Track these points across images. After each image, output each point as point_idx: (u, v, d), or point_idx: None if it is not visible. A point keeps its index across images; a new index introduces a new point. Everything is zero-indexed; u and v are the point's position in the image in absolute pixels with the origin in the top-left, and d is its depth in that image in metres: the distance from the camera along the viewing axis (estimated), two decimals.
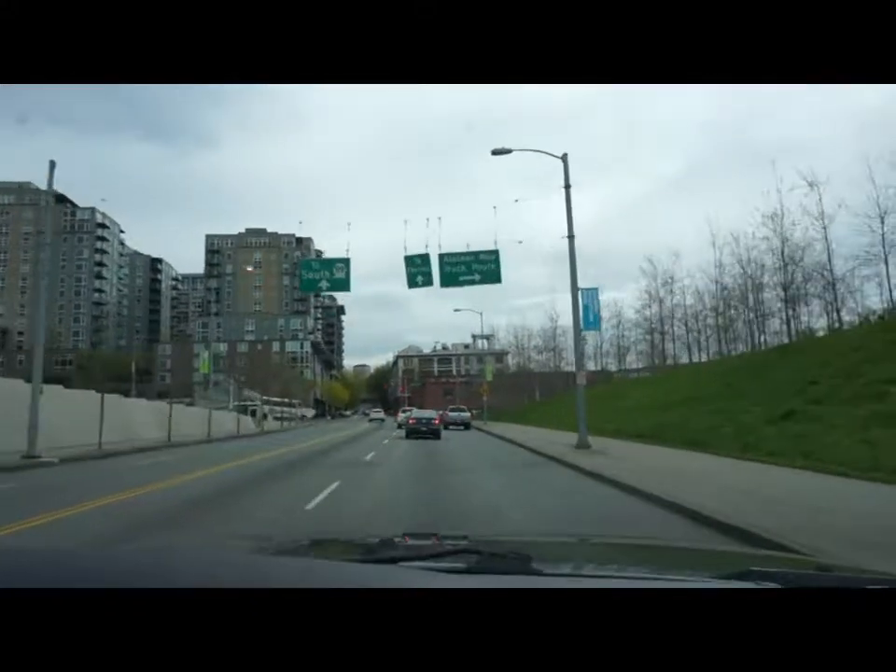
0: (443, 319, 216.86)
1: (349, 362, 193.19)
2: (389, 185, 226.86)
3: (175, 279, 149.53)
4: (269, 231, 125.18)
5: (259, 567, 1.18)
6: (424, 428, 29.55)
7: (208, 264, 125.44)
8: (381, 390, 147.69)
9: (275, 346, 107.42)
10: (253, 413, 55.69)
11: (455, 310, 57.82)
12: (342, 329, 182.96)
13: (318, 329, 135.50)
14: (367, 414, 77.49)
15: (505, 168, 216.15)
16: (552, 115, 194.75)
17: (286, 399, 72.00)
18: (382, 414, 74.34)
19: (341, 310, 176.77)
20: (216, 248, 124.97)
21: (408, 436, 29.68)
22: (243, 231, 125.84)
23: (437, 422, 30.68)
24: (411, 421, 31.29)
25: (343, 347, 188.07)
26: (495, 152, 19.13)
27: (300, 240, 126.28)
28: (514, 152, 19.22)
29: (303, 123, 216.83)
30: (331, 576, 1.10)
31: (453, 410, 49.89)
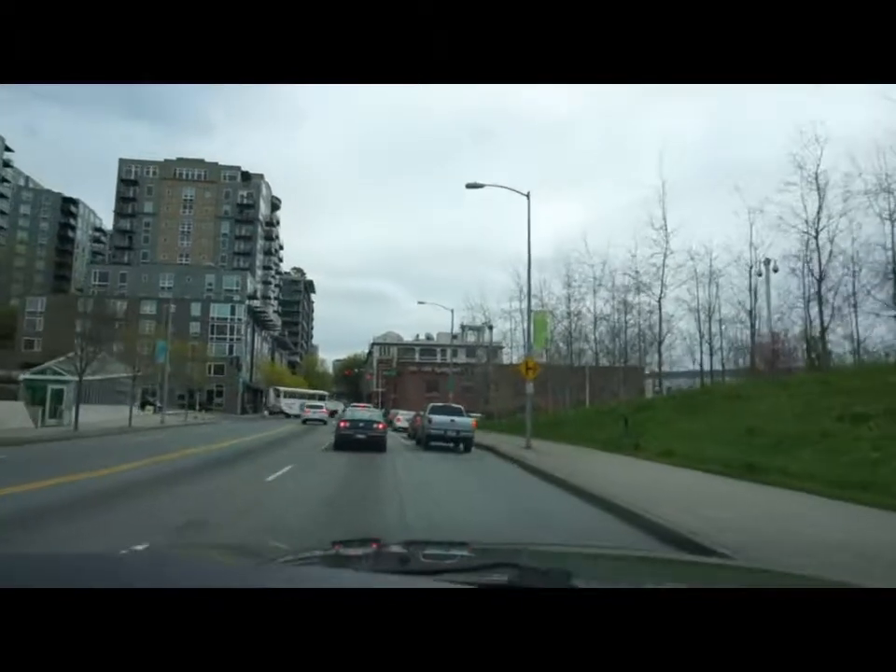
0: (435, 315, 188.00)
1: (326, 357, 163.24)
2: (374, 182, 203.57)
3: (99, 230, 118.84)
4: (207, 161, 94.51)
5: (263, 575, 1.14)
6: (361, 436, 19.96)
7: (120, 198, 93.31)
8: (350, 382, 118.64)
9: (197, 310, 77.58)
10: (58, 399, 33.03)
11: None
12: (311, 310, 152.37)
13: (269, 298, 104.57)
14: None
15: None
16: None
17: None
18: (323, 413, 49.63)
19: (310, 286, 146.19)
20: (132, 178, 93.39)
21: (337, 447, 19.78)
22: (172, 158, 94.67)
23: (381, 427, 20.91)
24: (342, 424, 20.91)
25: (313, 333, 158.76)
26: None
27: (247, 175, 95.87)
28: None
29: (284, 116, 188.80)
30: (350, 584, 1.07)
31: (439, 410, 24.83)
